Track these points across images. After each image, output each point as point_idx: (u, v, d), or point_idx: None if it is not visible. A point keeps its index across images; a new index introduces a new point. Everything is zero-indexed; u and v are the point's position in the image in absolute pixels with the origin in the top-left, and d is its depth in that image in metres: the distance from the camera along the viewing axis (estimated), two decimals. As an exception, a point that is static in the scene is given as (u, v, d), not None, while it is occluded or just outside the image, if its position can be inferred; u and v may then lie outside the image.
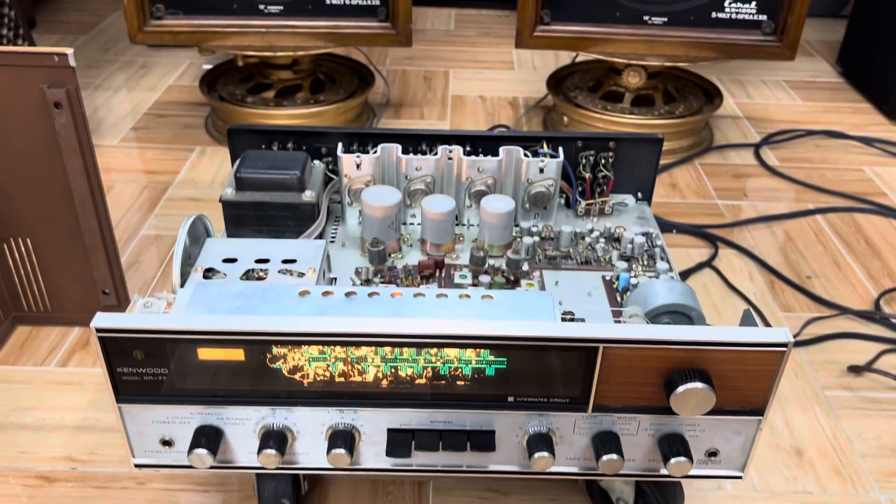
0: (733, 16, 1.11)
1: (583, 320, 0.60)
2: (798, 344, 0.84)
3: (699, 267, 0.96)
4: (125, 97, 1.39)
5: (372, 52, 1.57)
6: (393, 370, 0.52)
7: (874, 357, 0.82)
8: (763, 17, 1.11)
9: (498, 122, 1.34)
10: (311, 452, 0.55)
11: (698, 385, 0.49)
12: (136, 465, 0.55)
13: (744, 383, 0.51)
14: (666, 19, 1.12)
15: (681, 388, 0.50)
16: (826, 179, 1.17)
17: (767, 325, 0.86)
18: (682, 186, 1.15)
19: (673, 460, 0.53)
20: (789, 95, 1.46)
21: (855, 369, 0.81)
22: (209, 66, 1.36)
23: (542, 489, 0.68)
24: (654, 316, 0.56)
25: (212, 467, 0.54)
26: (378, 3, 1.15)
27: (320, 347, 0.50)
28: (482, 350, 0.50)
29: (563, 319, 0.59)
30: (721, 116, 1.36)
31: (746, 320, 0.53)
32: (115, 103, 1.37)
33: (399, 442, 0.54)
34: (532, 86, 1.49)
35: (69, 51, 0.69)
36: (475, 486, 0.68)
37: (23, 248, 0.81)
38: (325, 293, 0.54)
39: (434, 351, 0.51)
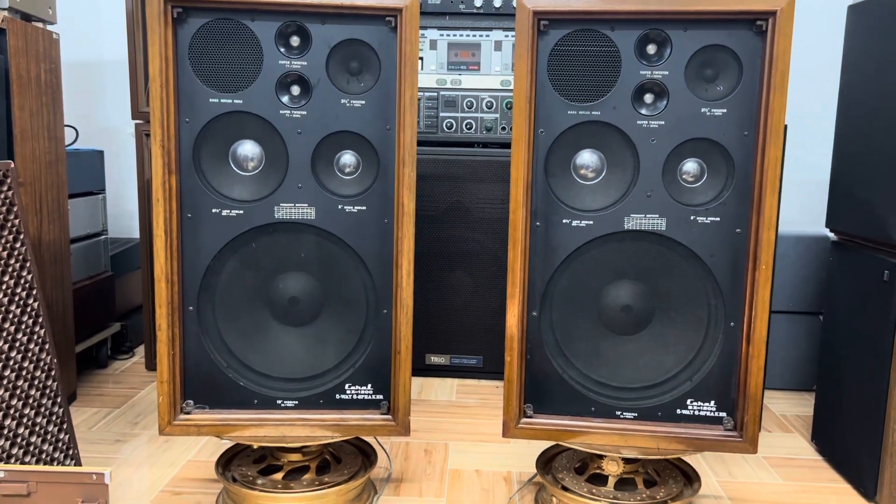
0: (696, 412, 1.25)
1: None
2: None
3: None
4: (146, 473, 1.50)
5: (378, 426, 1.70)
6: None
7: None
8: (723, 415, 1.25)
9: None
10: None
11: None
12: None
13: None
14: (636, 414, 1.26)
15: None
16: (810, 568, 1.19)
17: None
18: (668, 575, 1.18)
19: None
20: (770, 474, 1.54)
21: None
22: (228, 444, 1.49)
23: None
24: None
25: None
26: (381, 397, 1.31)
27: None
28: None
29: None
30: (705, 496, 1.43)
31: None
32: (135, 479, 1.47)
33: None
34: (526, 460, 1.59)
35: (106, 471, 0.81)
36: None
37: None
38: None
39: None
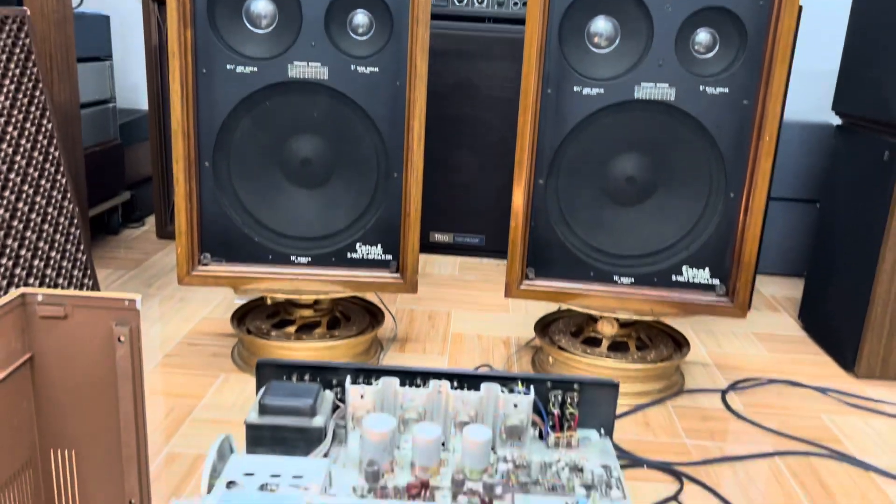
0: (690, 279, 1.31)
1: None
2: (754, 577, 0.92)
3: (665, 501, 1.05)
4: (162, 328, 1.57)
5: (384, 293, 1.78)
6: (377, 573, 0.62)
7: (826, 593, 0.89)
8: (716, 282, 1.30)
9: (488, 361, 1.50)
10: None
11: None
12: None
13: None
14: (633, 279, 1.32)
15: None
16: (786, 425, 1.28)
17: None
18: (654, 426, 1.27)
19: None
20: (756, 347, 1.62)
21: None
22: (241, 303, 1.56)
23: None
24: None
25: None
26: (391, 257, 1.36)
27: (318, 549, 0.61)
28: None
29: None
30: (693, 363, 1.51)
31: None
32: (153, 333, 1.55)
33: None
34: (524, 328, 1.67)
35: (137, 297, 0.87)
36: None
37: (66, 459, 0.93)
38: None
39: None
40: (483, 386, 0.87)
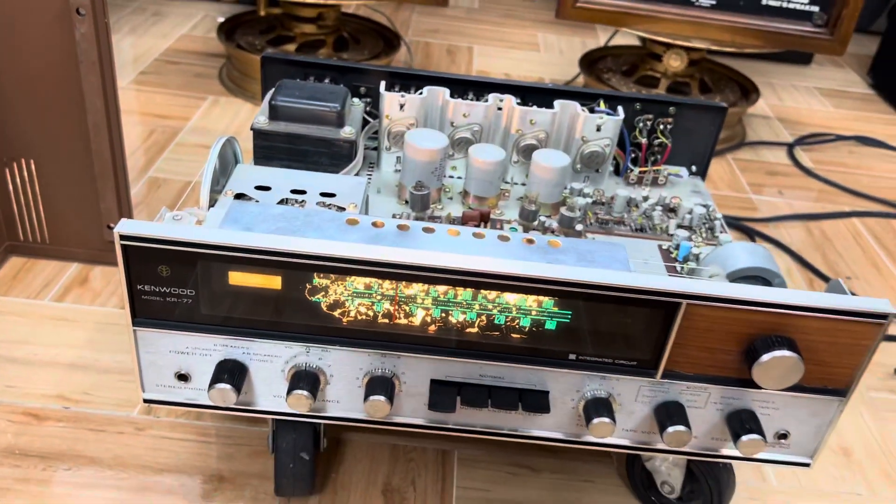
0: (784, 4, 1.07)
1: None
2: (842, 342, 0.80)
3: (737, 257, 0.91)
4: (134, 42, 1.33)
5: (394, 21, 1.52)
6: (444, 314, 0.46)
7: (920, 362, 0.78)
8: (815, 9, 1.07)
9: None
10: (343, 399, 0.49)
11: (787, 354, 0.44)
12: (146, 401, 0.49)
13: (831, 358, 0.47)
14: (714, 2, 1.08)
15: (767, 357, 0.45)
16: (862, 184, 1.13)
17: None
18: (715, 179, 1.10)
19: (745, 438, 0.48)
20: (820, 101, 1.43)
21: (901, 373, 0.77)
22: (223, 19, 1.30)
23: (575, 469, 0.63)
24: (734, 279, 0.51)
25: (231, 409, 0.48)
26: (415, -41, 1.10)
27: (367, 281, 0.45)
28: (546, 299, 0.45)
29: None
30: (753, 115, 1.32)
31: (835, 290, 0.48)
32: (123, 46, 1.30)
33: (443, 395, 0.48)
34: (559, 68, 1.44)
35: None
36: (504, 459, 0.63)
37: (25, 172, 0.74)
38: (375, 223, 0.49)
39: (492, 296, 0.45)
40: (558, 103, 0.67)
